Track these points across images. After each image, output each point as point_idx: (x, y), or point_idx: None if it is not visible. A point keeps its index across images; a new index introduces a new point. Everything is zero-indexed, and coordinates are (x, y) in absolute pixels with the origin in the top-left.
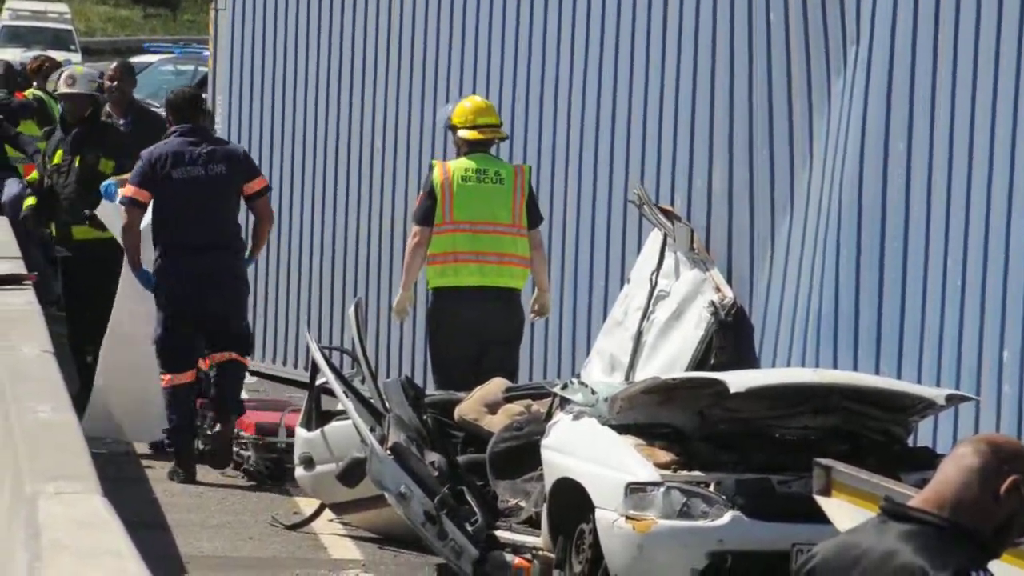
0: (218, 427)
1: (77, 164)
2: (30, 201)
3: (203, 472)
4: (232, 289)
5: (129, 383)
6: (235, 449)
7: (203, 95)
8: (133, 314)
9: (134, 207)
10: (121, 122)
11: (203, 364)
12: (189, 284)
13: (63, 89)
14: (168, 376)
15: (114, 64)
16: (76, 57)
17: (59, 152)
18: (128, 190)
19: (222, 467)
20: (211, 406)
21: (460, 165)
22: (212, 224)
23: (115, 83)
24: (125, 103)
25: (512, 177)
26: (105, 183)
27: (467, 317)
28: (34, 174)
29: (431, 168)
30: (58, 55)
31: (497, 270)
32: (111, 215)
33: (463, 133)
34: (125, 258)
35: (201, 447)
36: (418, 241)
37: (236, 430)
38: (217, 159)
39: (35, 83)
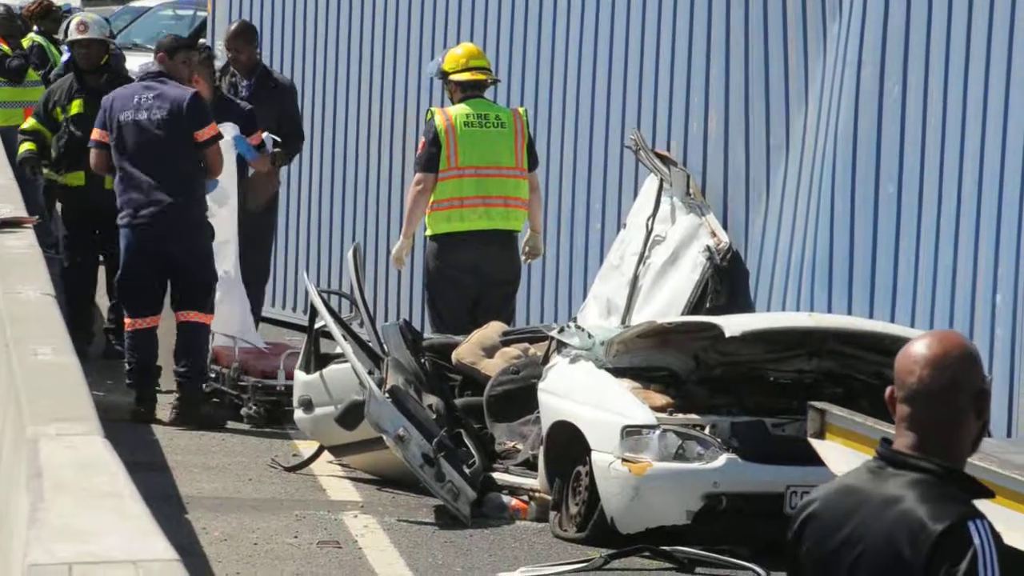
0: (176, 394)
1: None
2: (29, 146)
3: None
4: (188, 232)
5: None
6: (234, 392)
7: (200, 45)
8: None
9: (95, 148)
10: (244, 83)
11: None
12: (141, 222)
13: (75, 36)
14: (130, 320)
15: (232, 27)
16: (76, 1)
17: (77, 101)
18: (94, 132)
19: (192, 426)
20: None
21: (460, 111)
22: (158, 168)
23: (232, 52)
24: (250, 66)
25: (512, 120)
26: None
27: (469, 261)
28: (32, 120)
29: (431, 115)
30: None
31: (503, 213)
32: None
33: (457, 77)
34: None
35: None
36: (422, 188)
37: (239, 373)
38: (161, 103)
39: (35, 28)
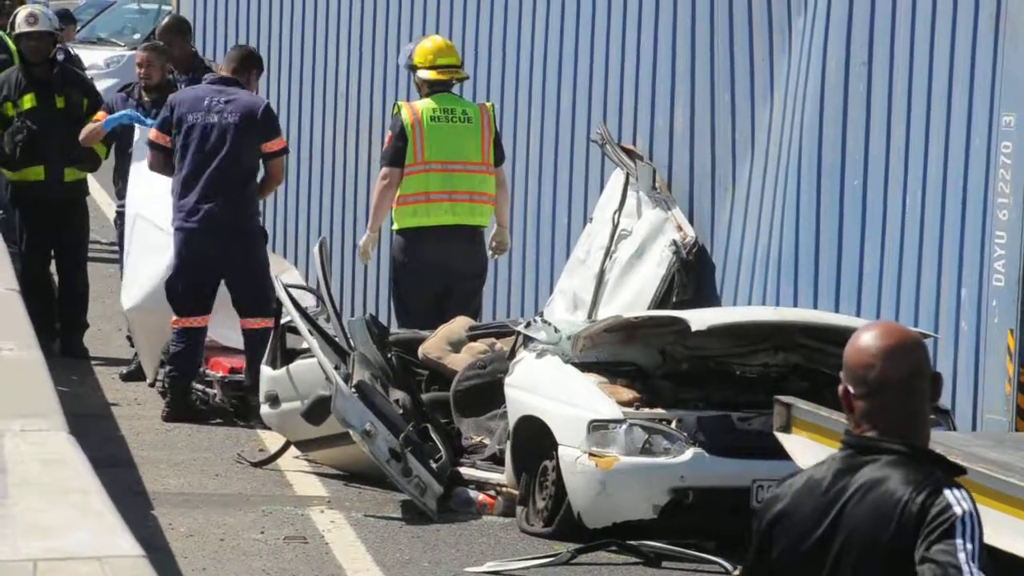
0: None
1: (62, 105)
2: None
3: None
4: (239, 238)
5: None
6: (200, 387)
7: (254, 52)
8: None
9: (153, 150)
10: (182, 79)
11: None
12: (196, 227)
13: (24, 28)
14: (177, 318)
15: (164, 22)
16: None
17: (28, 96)
18: (151, 132)
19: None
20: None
21: (427, 105)
22: (221, 173)
23: (164, 44)
24: (184, 60)
25: (479, 115)
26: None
27: (433, 256)
28: None
29: (398, 110)
30: None
31: (469, 208)
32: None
33: (423, 73)
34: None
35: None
36: (388, 182)
37: (203, 368)
38: (233, 110)
39: None
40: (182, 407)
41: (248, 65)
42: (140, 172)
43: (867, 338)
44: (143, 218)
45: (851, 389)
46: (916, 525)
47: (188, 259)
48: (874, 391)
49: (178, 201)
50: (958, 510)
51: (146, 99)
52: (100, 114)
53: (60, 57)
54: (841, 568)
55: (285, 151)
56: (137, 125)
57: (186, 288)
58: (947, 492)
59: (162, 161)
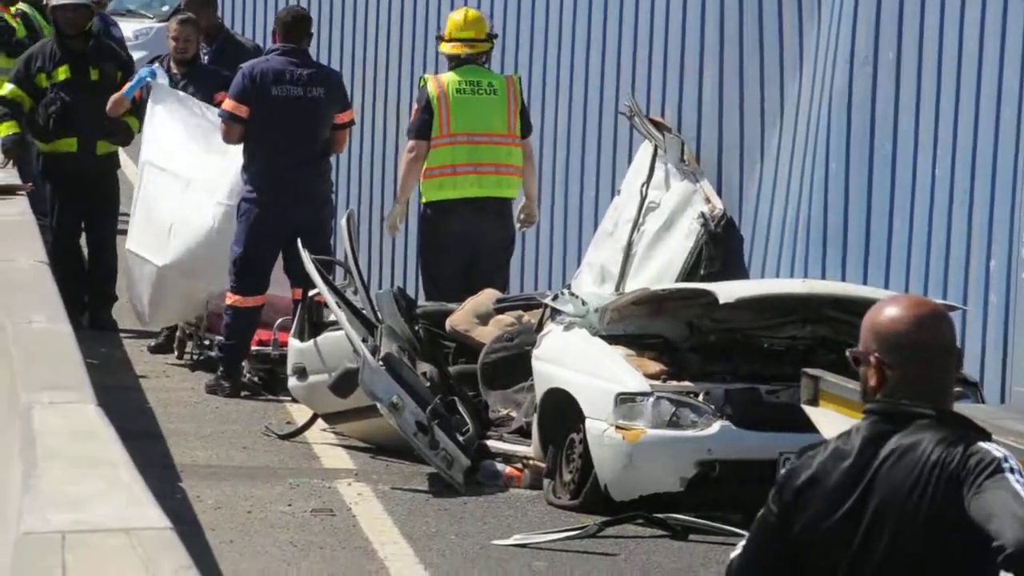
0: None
1: (96, 78)
2: (11, 129)
3: (195, 381)
4: (319, 208)
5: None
6: (198, 351)
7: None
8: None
9: (233, 122)
10: (206, 50)
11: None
12: (279, 198)
13: (61, 0)
14: (236, 297)
15: None
16: None
17: (63, 67)
18: (227, 104)
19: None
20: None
21: (453, 78)
22: (305, 144)
23: (191, 15)
24: (210, 31)
25: (505, 87)
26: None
27: (461, 228)
28: (11, 86)
29: (424, 83)
30: None
31: (496, 180)
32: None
33: (449, 46)
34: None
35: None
36: (415, 155)
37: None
38: (317, 82)
39: None
40: (239, 386)
41: (306, 30)
42: (153, 120)
43: (900, 308)
44: (152, 164)
45: (884, 358)
46: (958, 476)
47: (270, 231)
48: (908, 358)
49: (259, 172)
50: (998, 454)
51: (175, 71)
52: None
53: (101, 28)
54: (874, 539)
55: (353, 123)
56: (151, 79)
57: (261, 263)
58: (982, 443)
59: (239, 133)
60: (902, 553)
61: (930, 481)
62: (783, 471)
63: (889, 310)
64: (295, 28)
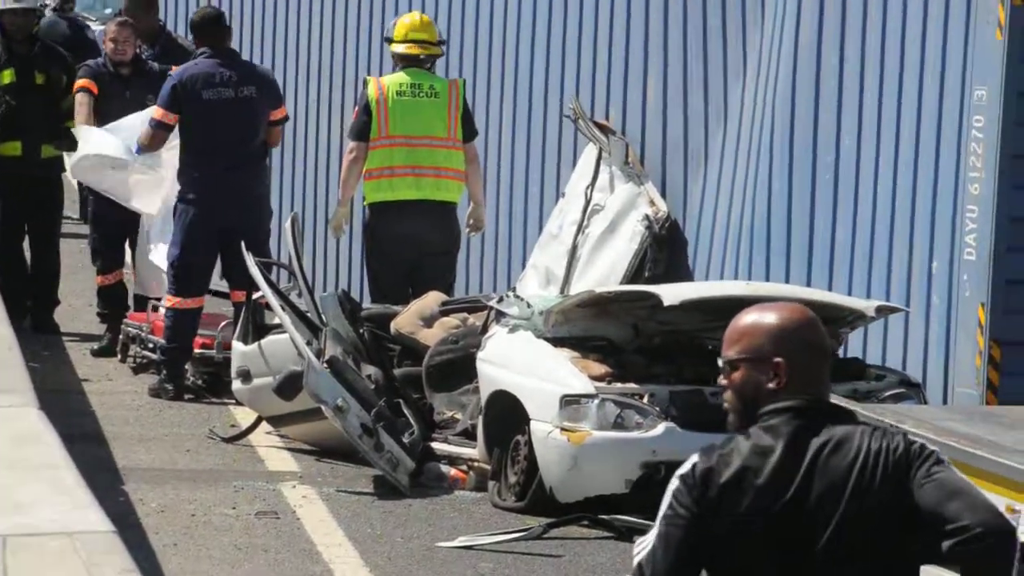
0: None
1: (41, 82)
2: None
3: (139, 384)
4: (256, 208)
5: None
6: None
7: (223, 13)
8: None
9: (160, 129)
10: (148, 51)
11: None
12: (216, 199)
13: (9, 4)
14: (176, 299)
15: None
16: None
17: (8, 71)
18: (156, 112)
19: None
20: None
21: (395, 80)
22: (241, 145)
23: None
24: (150, 32)
25: (447, 91)
26: None
27: (404, 231)
28: None
29: (365, 84)
30: None
31: (434, 183)
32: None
33: (395, 47)
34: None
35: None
36: (354, 157)
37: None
38: (248, 81)
39: None
40: (182, 389)
41: (222, 29)
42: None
43: (790, 312)
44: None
45: (788, 359)
46: (905, 462)
47: (206, 232)
48: (807, 358)
49: (195, 174)
50: (934, 447)
51: (124, 72)
52: (85, 81)
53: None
54: (818, 527)
55: (287, 119)
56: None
57: (198, 265)
58: (912, 437)
59: (163, 139)
60: (843, 541)
61: (876, 467)
62: (693, 470)
63: (781, 314)
64: (210, 29)
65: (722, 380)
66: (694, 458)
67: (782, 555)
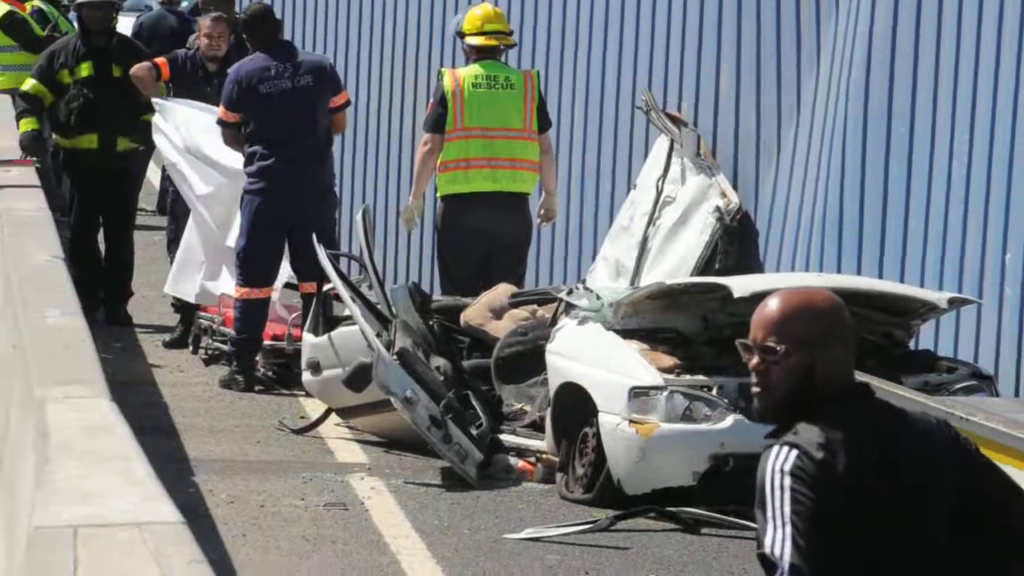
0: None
1: (119, 75)
2: (31, 125)
3: (210, 376)
4: (323, 200)
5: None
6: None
7: (270, 8)
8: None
9: (224, 128)
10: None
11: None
12: (280, 190)
13: None
14: (245, 289)
15: None
16: None
17: (86, 64)
18: (220, 111)
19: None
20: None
21: (470, 72)
22: (303, 135)
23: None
24: (233, 28)
25: (522, 82)
26: None
27: (477, 223)
28: (32, 82)
29: (441, 76)
30: None
31: (509, 175)
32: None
33: (471, 40)
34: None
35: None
36: (429, 149)
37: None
38: (304, 71)
39: None
40: (252, 380)
41: (271, 25)
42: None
43: (826, 297)
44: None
45: (839, 345)
46: (966, 446)
47: (272, 223)
48: (848, 342)
49: (260, 165)
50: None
51: (211, 68)
52: (161, 60)
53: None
54: (920, 505)
55: (349, 103)
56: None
57: (265, 255)
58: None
59: (235, 137)
60: (938, 515)
61: (953, 449)
62: (802, 465)
63: (821, 301)
64: (259, 25)
65: (756, 365)
66: (789, 453)
67: (889, 532)
